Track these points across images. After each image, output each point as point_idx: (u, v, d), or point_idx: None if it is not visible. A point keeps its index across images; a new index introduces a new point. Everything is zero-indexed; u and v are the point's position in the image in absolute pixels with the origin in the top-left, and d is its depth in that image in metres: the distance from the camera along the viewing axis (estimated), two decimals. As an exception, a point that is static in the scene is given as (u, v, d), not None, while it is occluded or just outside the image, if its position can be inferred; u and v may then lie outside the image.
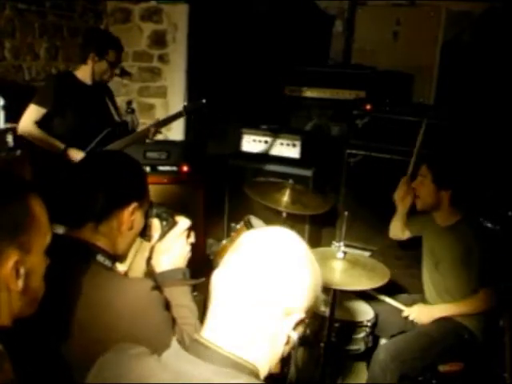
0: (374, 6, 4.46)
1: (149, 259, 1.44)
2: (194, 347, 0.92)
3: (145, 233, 1.40)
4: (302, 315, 0.94)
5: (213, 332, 0.94)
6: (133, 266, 1.49)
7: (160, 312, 1.24)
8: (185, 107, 3.08)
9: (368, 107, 3.56)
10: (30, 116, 2.85)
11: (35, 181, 2.79)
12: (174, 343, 0.95)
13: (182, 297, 1.36)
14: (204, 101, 3.06)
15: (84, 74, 3.01)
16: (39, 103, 2.88)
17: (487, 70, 3.85)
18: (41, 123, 2.87)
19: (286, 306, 0.93)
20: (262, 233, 1.00)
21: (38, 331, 1.16)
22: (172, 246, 1.41)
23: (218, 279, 0.96)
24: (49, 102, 2.88)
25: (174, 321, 1.27)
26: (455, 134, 3.24)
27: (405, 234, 2.67)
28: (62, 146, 2.86)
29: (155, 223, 1.40)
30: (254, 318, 0.92)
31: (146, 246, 1.45)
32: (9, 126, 2.77)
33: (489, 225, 2.64)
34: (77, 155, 2.81)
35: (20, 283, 0.92)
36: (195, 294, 1.45)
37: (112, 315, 1.17)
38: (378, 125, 3.53)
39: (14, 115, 2.83)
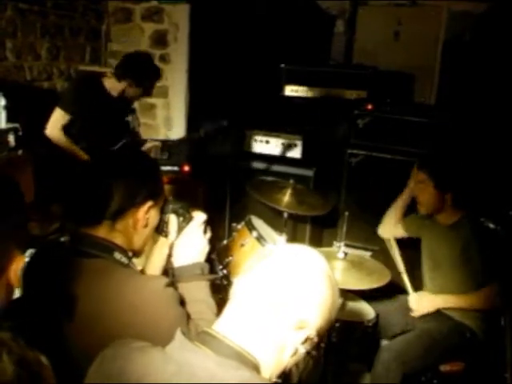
0: (375, 6, 4.45)
1: (169, 256, 1.45)
2: (200, 337, 0.94)
3: (161, 229, 1.41)
4: (313, 332, 0.96)
5: (224, 326, 0.95)
6: (150, 262, 1.49)
7: (175, 309, 1.24)
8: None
9: (369, 107, 3.56)
10: (56, 121, 2.91)
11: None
12: (179, 334, 0.95)
13: (198, 292, 1.36)
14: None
15: (113, 87, 3.01)
16: (64, 108, 2.93)
17: (488, 70, 3.84)
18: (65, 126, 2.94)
19: (299, 317, 0.94)
20: (292, 247, 1.07)
21: (54, 329, 1.18)
22: (189, 241, 1.42)
23: (240, 282, 0.99)
24: (72, 107, 2.93)
25: (188, 317, 1.27)
26: (455, 133, 3.24)
27: (397, 231, 2.64)
28: (84, 156, 2.91)
29: (172, 219, 1.41)
30: (266, 322, 0.94)
31: (163, 241, 1.45)
32: (10, 125, 2.77)
33: (490, 225, 2.64)
34: None
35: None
36: None
37: (129, 311, 1.18)
38: (379, 125, 3.52)
39: (15, 115, 2.84)
